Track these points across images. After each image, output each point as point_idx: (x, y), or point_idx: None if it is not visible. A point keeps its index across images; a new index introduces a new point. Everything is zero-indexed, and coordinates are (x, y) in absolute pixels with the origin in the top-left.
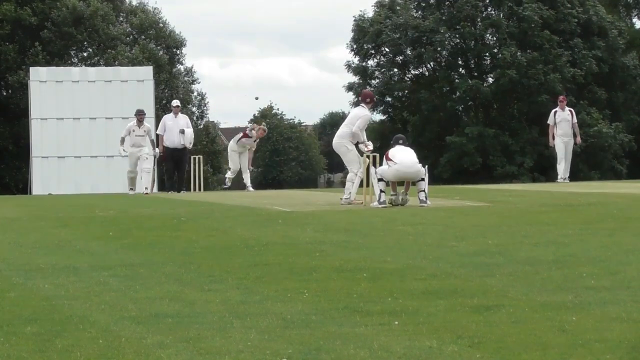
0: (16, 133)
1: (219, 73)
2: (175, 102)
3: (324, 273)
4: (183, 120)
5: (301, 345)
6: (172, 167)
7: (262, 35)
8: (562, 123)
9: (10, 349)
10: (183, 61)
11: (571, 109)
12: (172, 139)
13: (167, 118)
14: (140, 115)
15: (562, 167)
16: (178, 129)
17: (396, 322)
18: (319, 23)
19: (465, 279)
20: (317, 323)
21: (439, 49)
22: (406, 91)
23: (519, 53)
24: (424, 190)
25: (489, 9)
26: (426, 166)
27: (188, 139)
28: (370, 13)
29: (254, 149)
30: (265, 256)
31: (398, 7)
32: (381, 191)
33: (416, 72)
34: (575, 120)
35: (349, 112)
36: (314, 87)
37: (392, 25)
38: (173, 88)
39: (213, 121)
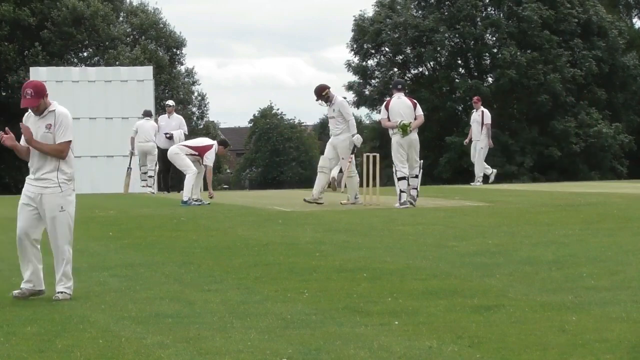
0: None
1: (217, 73)
2: (169, 102)
3: (324, 273)
4: (176, 121)
5: (301, 345)
6: (163, 168)
7: (259, 35)
8: (473, 124)
9: (10, 349)
10: (183, 61)
11: (484, 110)
12: (161, 140)
13: (161, 119)
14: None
15: (476, 169)
16: (169, 130)
17: (396, 322)
18: (316, 23)
19: (465, 279)
20: (317, 323)
21: (438, 48)
22: (406, 91)
23: (518, 53)
24: (415, 188)
25: (489, 9)
26: (421, 161)
27: (176, 141)
28: (370, 12)
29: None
30: (265, 256)
31: (398, 7)
32: (401, 191)
33: (416, 72)
34: (487, 121)
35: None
36: (313, 87)
37: (392, 25)
38: (174, 89)
39: (213, 121)
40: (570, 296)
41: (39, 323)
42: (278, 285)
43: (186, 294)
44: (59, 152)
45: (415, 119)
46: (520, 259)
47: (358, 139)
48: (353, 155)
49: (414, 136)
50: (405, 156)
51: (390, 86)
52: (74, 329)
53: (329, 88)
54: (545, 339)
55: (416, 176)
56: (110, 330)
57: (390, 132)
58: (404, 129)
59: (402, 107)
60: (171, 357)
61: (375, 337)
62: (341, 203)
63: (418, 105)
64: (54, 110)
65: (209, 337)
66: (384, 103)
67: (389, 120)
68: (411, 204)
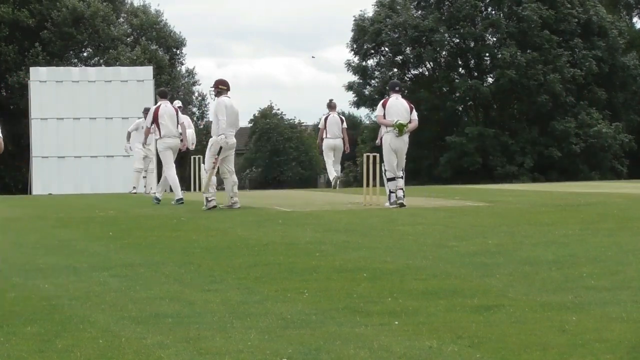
0: (16, 133)
1: (217, 73)
2: (177, 103)
3: (324, 273)
4: (184, 121)
5: (301, 345)
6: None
7: (258, 35)
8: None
9: (10, 349)
10: (183, 61)
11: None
12: None
13: None
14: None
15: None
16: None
17: (396, 322)
18: (316, 23)
19: (465, 279)
20: (317, 323)
21: (438, 48)
22: (406, 91)
23: (518, 53)
24: (401, 188)
25: (489, 9)
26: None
27: (190, 140)
28: (370, 12)
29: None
30: (265, 256)
31: (398, 7)
32: (391, 192)
33: (416, 72)
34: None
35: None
36: (312, 87)
37: (392, 25)
38: (174, 89)
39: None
40: (570, 296)
41: (39, 323)
42: (278, 285)
43: (186, 294)
44: None
45: (409, 122)
46: (520, 259)
47: (218, 141)
48: (217, 157)
49: (406, 139)
50: (395, 160)
51: (387, 87)
52: (74, 329)
53: (228, 89)
54: (545, 339)
55: (401, 177)
56: (110, 330)
57: (383, 130)
58: (401, 128)
59: (399, 108)
60: (171, 357)
61: (375, 337)
62: (220, 206)
63: (414, 110)
64: None
65: (209, 337)
66: (382, 101)
67: (385, 118)
68: (402, 205)
